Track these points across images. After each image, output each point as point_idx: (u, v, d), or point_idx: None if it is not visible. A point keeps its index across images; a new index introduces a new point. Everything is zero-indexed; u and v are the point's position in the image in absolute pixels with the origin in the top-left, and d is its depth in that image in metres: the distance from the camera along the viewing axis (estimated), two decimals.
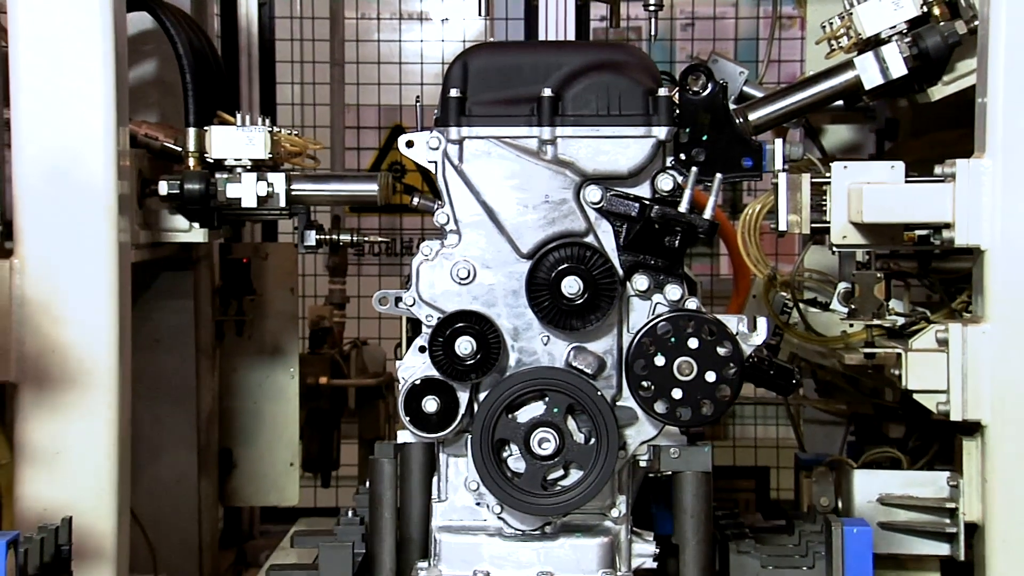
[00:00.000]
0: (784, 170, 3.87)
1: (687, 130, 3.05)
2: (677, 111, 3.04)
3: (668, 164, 3.02)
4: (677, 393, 2.93)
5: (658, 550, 3.09)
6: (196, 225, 4.34)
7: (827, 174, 3.69)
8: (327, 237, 4.36)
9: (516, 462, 2.96)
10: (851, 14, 3.85)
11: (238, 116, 4.19)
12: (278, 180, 4.13)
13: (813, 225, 3.74)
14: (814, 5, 4.56)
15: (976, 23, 3.64)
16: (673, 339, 2.93)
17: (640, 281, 3.00)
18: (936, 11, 3.77)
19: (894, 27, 3.80)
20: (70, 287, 3.54)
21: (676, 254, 2.98)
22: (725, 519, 3.60)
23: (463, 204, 3.02)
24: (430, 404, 2.95)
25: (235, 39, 6.46)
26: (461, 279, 2.99)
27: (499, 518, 3.01)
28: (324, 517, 5.20)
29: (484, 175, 3.01)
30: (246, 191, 4.09)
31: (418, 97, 3.30)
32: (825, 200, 3.72)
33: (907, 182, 3.54)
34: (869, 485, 3.87)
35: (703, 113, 3.05)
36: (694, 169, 2.99)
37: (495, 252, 3.00)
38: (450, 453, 3.05)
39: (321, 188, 4.28)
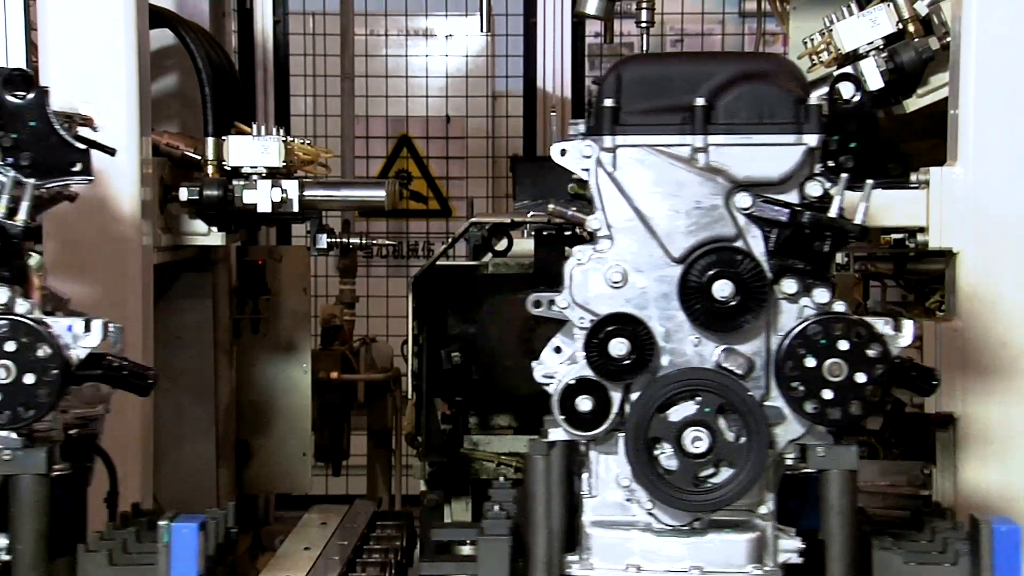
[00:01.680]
0: None
1: (835, 137, 2.96)
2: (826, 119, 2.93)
3: (816, 171, 2.93)
4: (827, 394, 2.85)
5: (804, 545, 2.99)
6: (214, 229, 4.34)
7: None
8: (337, 240, 4.36)
9: (667, 460, 2.88)
10: (831, 31, 3.85)
11: (254, 127, 4.19)
12: (292, 187, 4.14)
13: None
14: (796, 22, 4.57)
15: (948, 40, 3.65)
16: (823, 341, 2.85)
17: (789, 284, 2.90)
18: (911, 28, 3.78)
19: (871, 43, 3.81)
20: (96, 287, 3.54)
21: (825, 258, 2.90)
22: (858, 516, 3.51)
23: (615, 210, 2.93)
24: (584, 403, 2.89)
25: (251, 54, 6.46)
26: (614, 283, 2.91)
27: (649, 514, 2.94)
28: (335, 504, 5.21)
29: (636, 182, 2.92)
30: (261, 197, 4.09)
31: (553, 107, 3.21)
32: None
33: (884, 189, 3.54)
34: None
35: (851, 121, 2.97)
36: (844, 175, 2.88)
37: (647, 256, 2.92)
38: (601, 451, 2.97)
39: (332, 194, 4.28)
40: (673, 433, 2.87)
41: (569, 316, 2.93)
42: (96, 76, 3.54)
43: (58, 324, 2.80)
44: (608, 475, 2.98)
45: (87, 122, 3.13)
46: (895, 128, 4.40)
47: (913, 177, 3.48)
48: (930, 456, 3.61)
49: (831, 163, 2.96)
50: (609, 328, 2.87)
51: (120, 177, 3.55)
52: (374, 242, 4.66)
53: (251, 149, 4.13)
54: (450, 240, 4.88)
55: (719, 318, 2.87)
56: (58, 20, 3.55)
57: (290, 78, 7.23)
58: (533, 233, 4.58)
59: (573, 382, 2.91)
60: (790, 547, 2.98)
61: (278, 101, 6.76)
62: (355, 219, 7.19)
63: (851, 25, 3.82)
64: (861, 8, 3.84)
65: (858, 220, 2.88)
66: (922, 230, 3.43)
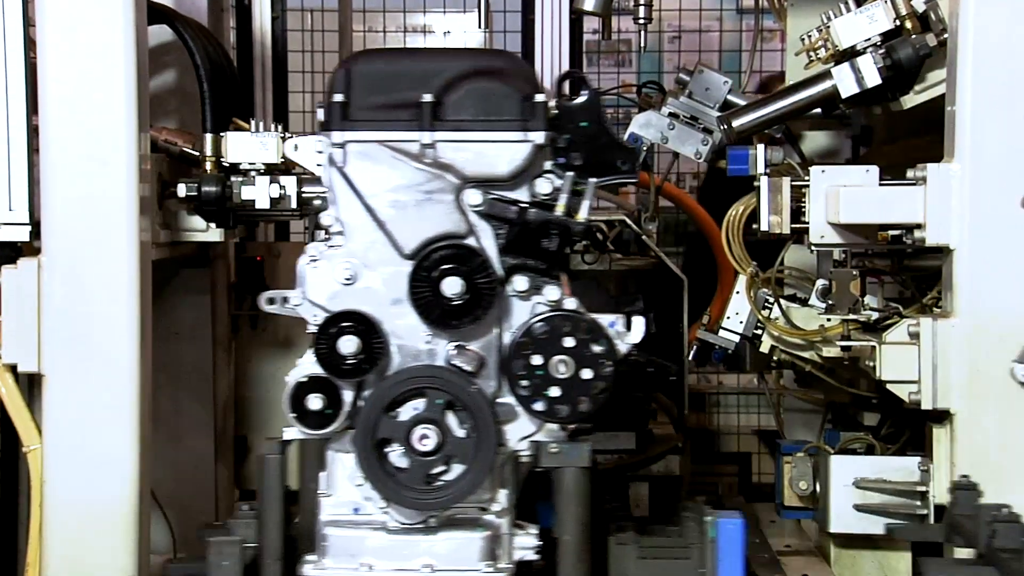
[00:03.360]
0: (766, 174, 3.88)
1: None
2: None
3: None
4: None
5: None
6: (213, 225, 4.32)
7: (806, 178, 3.70)
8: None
9: None
10: (828, 27, 3.85)
11: (252, 123, 4.18)
12: (290, 183, 4.12)
13: (793, 225, 3.75)
14: (794, 19, 4.56)
15: (946, 36, 3.65)
16: None
17: None
18: (908, 24, 3.77)
19: (869, 39, 3.80)
20: (94, 284, 3.53)
21: None
22: None
23: None
24: None
25: (250, 50, 6.44)
26: None
27: None
28: None
29: None
30: (260, 193, 4.08)
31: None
32: (804, 202, 3.72)
33: (881, 185, 3.55)
34: (845, 470, 3.88)
35: None
36: None
37: None
38: None
39: None
40: None
41: None
42: (95, 72, 3.53)
43: (603, 320, 2.83)
44: None
45: None
46: (893, 124, 4.40)
47: (910, 173, 3.49)
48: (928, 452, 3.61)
49: None
50: None
51: (118, 173, 3.54)
52: None
53: (249, 145, 4.11)
54: None
55: None
56: (56, 16, 3.54)
57: (288, 74, 7.21)
58: None
59: None
60: None
61: (276, 97, 6.73)
62: None
63: (848, 21, 3.81)
64: (858, 4, 3.83)
65: None
66: (919, 227, 3.43)
